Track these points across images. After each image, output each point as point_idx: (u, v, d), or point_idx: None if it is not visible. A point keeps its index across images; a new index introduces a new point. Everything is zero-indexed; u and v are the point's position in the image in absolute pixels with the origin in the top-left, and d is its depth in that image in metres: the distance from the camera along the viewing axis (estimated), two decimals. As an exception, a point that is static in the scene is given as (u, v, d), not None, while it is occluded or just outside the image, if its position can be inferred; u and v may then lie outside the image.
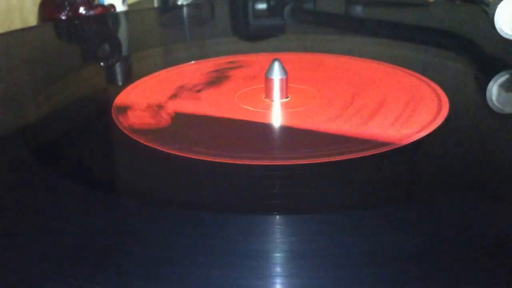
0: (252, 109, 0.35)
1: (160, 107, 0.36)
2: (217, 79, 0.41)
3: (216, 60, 0.47)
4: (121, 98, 0.38)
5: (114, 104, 0.37)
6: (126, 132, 0.32)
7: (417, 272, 0.20)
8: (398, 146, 0.29)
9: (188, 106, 0.36)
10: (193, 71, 0.45)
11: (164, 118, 0.34)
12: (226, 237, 0.22)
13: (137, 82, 0.41)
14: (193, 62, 0.47)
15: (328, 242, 0.22)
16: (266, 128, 0.33)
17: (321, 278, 0.20)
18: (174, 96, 0.38)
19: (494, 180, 0.27)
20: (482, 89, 0.39)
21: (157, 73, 0.44)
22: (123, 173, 0.30)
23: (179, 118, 0.34)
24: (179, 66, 0.45)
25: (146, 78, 0.42)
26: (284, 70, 0.35)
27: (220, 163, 0.28)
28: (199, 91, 0.39)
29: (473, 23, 0.57)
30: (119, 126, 0.33)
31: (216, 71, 0.43)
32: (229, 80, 0.41)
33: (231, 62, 0.46)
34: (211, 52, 0.53)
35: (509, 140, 0.31)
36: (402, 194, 0.26)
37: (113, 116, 0.35)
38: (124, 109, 0.36)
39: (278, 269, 0.20)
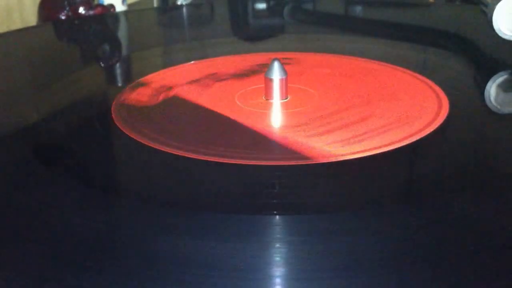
0: (251, 109, 0.35)
1: (169, 89, 0.38)
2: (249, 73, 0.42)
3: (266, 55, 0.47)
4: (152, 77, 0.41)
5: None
6: (126, 132, 0.32)
7: (417, 272, 0.20)
8: (398, 146, 0.29)
9: (186, 104, 0.36)
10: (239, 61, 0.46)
11: (156, 99, 0.36)
12: (225, 237, 0.22)
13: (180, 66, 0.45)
14: (192, 62, 0.47)
15: (326, 243, 0.22)
16: (265, 128, 0.33)
17: (320, 278, 0.20)
18: (193, 81, 0.40)
19: (493, 180, 0.27)
20: (481, 89, 0.40)
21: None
22: (122, 173, 0.30)
23: (169, 104, 0.36)
24: (184, 64, 0.46)
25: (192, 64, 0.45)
26: (284, 70, 0.35)
27: (219, 163, 0.28)
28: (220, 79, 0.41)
29: (472, 23, 0.57)
30: (119, 126, 0.33)
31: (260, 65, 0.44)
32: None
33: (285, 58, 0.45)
34: (211, 52, 0.53)
35: (508, 140, 0.32)
36: (401, 194, 0.27)
37: (113, 115, 0.35)
38: (138, 85, 0.39)
39: (277, 270, 0.20)
